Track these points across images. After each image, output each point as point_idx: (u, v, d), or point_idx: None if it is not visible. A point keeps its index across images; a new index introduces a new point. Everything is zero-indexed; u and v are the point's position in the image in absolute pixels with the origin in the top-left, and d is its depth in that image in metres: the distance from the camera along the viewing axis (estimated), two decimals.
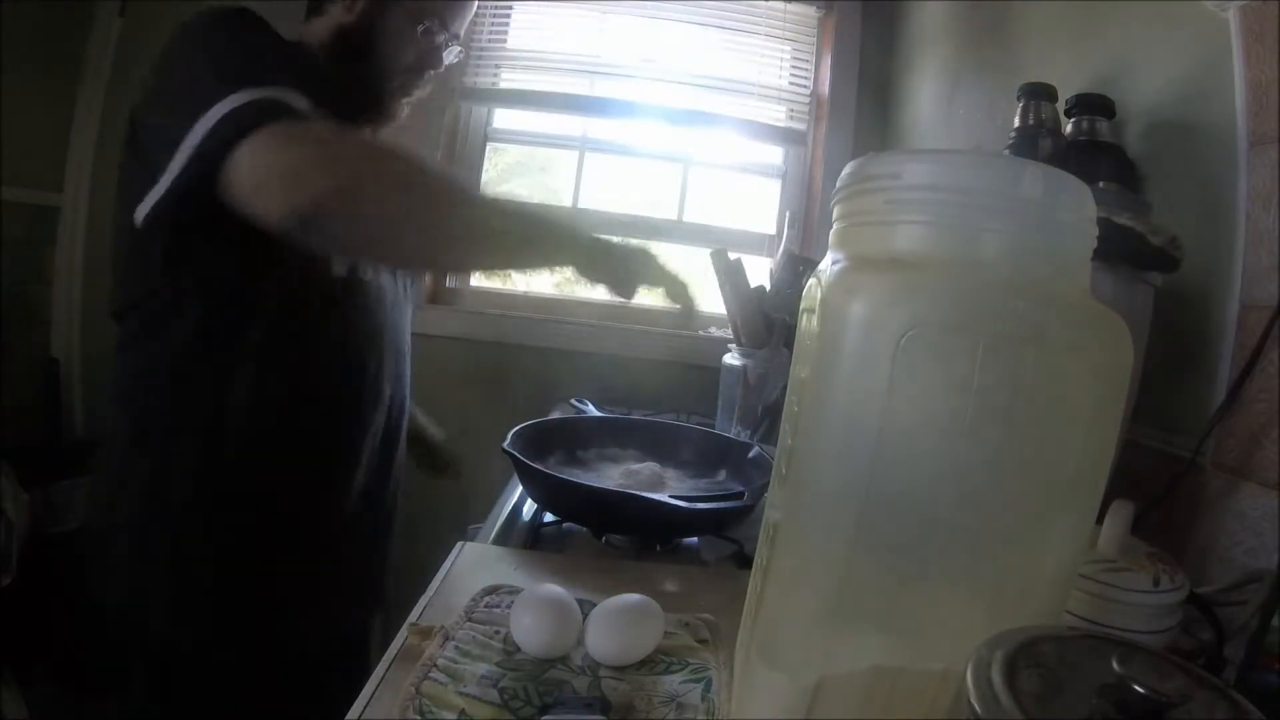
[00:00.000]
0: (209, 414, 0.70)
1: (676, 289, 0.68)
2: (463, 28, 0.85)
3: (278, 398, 0.72)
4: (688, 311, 0.69)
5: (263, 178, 0.58)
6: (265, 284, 0.71)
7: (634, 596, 0.51)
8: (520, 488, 0.86)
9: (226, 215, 0.59)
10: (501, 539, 0.76)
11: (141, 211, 0.65)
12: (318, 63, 0.78)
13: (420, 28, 0.79)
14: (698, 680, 0.47)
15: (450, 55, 0.84)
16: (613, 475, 0.86)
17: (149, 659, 0.68)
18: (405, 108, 0.85)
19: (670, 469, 0.90)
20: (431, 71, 0.84)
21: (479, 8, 1.66)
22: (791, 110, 1.73)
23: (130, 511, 0.69)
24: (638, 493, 0.71)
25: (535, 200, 1.80)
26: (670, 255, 0.69)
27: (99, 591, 0.69)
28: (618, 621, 0.49)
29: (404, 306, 0.89)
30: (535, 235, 0.65)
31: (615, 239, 0.66)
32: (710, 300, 1.17)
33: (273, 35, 0.71)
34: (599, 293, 1.92)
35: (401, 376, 0.88)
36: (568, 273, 0.65)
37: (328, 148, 0.60)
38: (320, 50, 0.78)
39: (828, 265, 0.37)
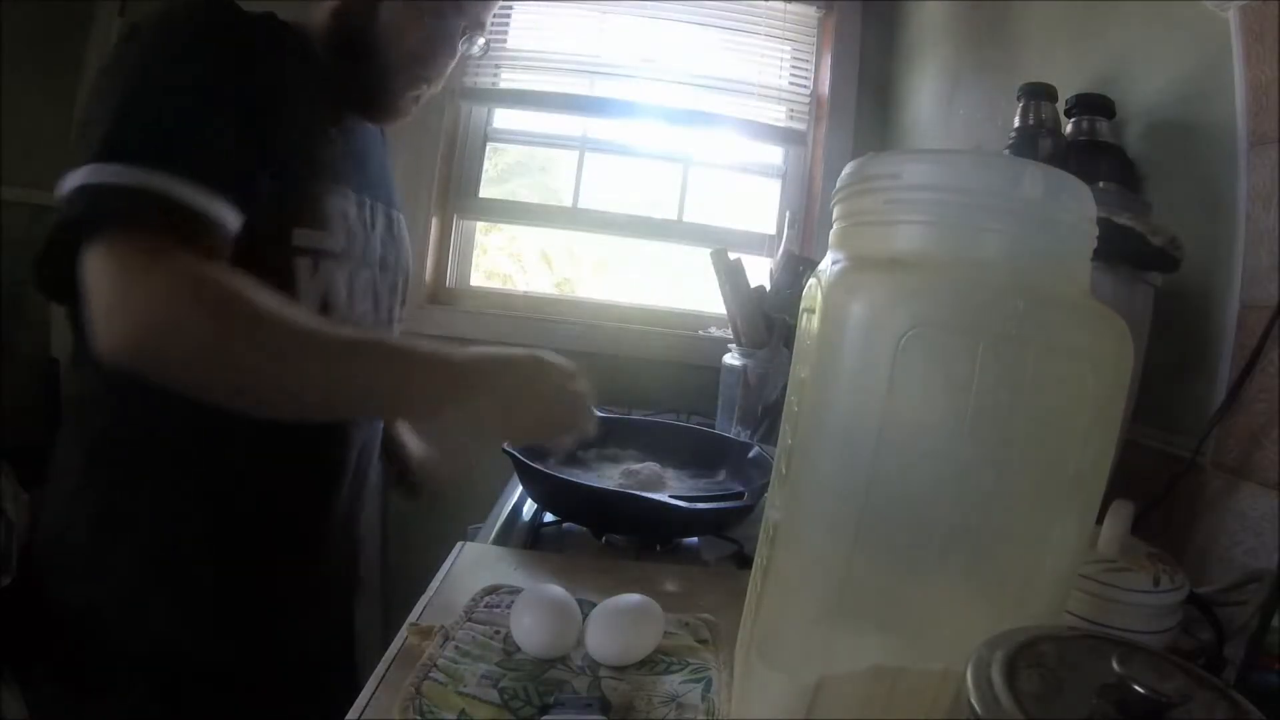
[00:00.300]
0: (181, 422, 0.63)
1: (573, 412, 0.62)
2: (484, 15, 0.77)
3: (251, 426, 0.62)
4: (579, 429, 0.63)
5: (91, 299, 0.50)
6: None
7: (634, 597, 0.51)
8: (520, 488, 0.86)
9: None
10: (501, 539, 0.76)
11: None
12: (310, 54, 0.69)
13: (427, 8, 0.71)
14: (698, 680, 0.47)
15: (469, 45, 0.76)
16: (613, 475, 0.86)
17: (124, 661, 0.65)
18: (415, 103, 0.76)
19: (670, 469, 0.90)
20: (447, 61, 0.75)
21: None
22: (791, 110, 1.73)
23: (95, 518, 0.64)
24: (638, 493, 0.71)
25: (535, 201, 1.80)
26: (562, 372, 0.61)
27: (75, 596, 0.65)
28: (618, 622, 0.49)
29: (387, 329, 0.82)
30: (404, 388, 0.57)
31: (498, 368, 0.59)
32: (711, 300, 1.17)
33: (247, 41, 0.61)
34: (599, 293, 1.92)
35: None
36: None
37: (163, 288, 0.51)
38: (319, 36, 0.71)
39: (828, 265, 0.37)
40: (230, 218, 0.57)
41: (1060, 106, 0.85)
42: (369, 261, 0.73)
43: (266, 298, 0.53)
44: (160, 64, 0.58)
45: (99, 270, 0.51)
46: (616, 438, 0.96)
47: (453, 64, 0.76)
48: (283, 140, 0.62)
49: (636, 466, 0.87)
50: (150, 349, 0.51)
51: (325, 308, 0.67)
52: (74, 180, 0.53)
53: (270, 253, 0.62)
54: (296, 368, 0.54)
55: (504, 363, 0.59)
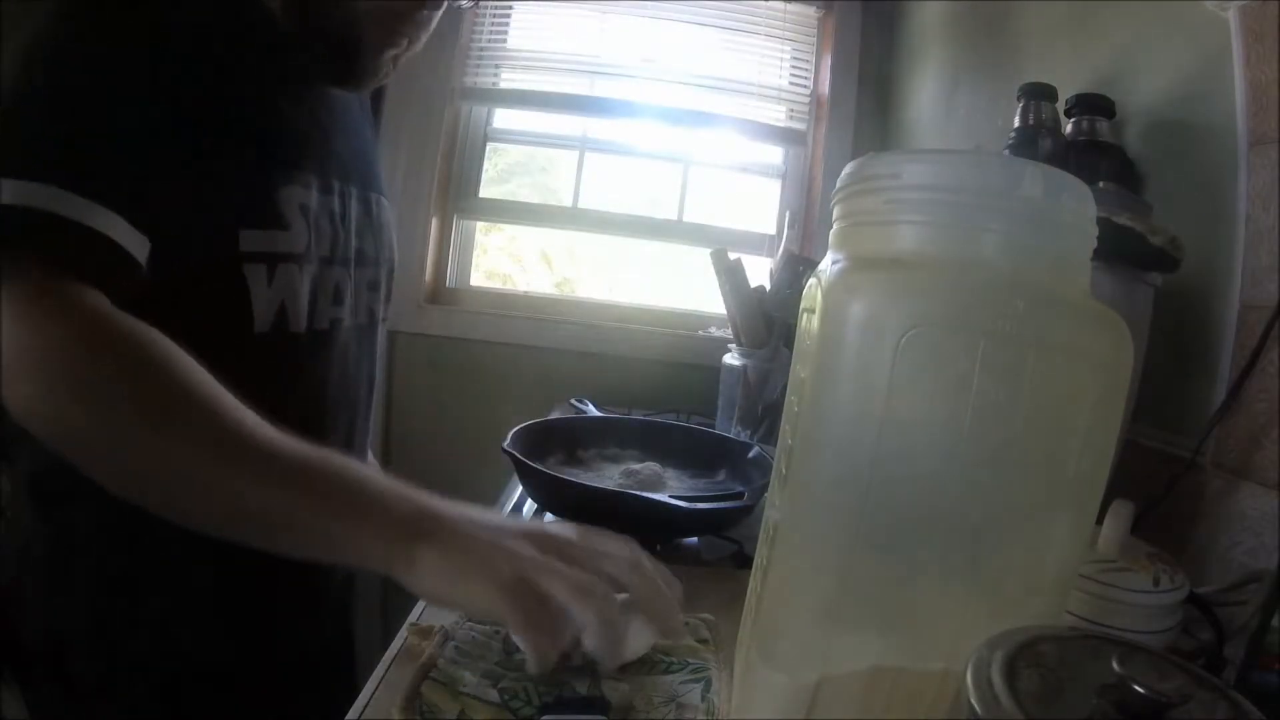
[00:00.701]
0: None
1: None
2: None
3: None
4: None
5: None
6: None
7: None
8: (520, 488, 0.86)
9: None
10: None
11: None
12: (254, 9, 0.58)
13: None
14: (698, 680, 0.47)
15: None
16: (613, 475, 0.86)
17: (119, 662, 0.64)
18: (394, 64, 0.64)
19: (670, 469, 0.90)
20: (430, 12, 0.62)
21: (479, 7, 1.67)
22: (791, 110, 1.73)
23: (94, 521, 0.59)
24: (638, 493, 0.71)
25: (535, 201, 1.80)
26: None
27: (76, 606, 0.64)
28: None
29: (369, 333, 0.73)
30: (316, 520, 0.42)
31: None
32: (711, 300, 1.17)
33: (150, 14, 0.50)
34: (599, 293, 1.91)
35: (355, 425, 0.73)
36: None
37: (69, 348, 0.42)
38: None
39: (828, 265, 0.37)
40: (136, 240, 0.47)
41: (1060, 106, 0.85)
42: (339, 258, 0.65)
43: (191, 368, 0.44)
44: (50, 46, 0.47)
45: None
46: (616, 438, 0.96)
47: (436, 18, 0.64)
48: (214, 125, 0.52)
49: (636, 466, 0.87)
50: (43, 415, 0.42)
51: (282, 320, 0.58)
52: None
53: (214, 262, 0.53)
54: (214, 478, 0.42)
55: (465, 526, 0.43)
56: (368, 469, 0.46)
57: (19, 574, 0.61)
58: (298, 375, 0.62)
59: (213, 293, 0.50)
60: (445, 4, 0.63)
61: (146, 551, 0.58)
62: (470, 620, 0.52)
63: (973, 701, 0.24)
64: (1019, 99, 0.87)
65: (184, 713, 0.63)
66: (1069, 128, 0.82)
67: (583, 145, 1.74)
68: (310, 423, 0.56)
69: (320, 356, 0.64)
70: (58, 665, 0.60)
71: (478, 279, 1.78)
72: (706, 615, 0.55)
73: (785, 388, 0.42)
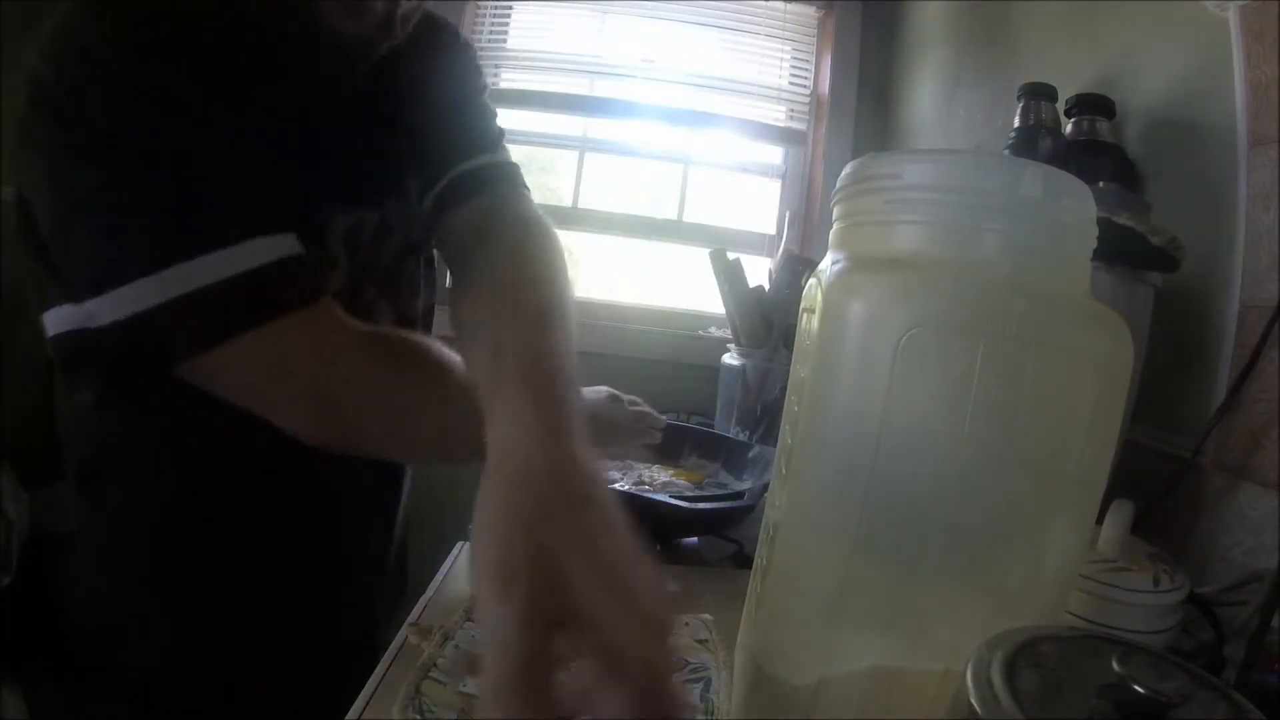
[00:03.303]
0: (210, 424, 0.64)
1: None
2: None
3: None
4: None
5: (263, 383, 0.48)
6: None
7: None
8: None
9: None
10: None
11: (54, 323, 0.49)
12: None
13: None
14: (697, 680, 0.47)
15: None
16: (613, 474, 0.86)
17: (148, 666, 0.66)
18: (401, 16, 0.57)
19: (671, 469, 0.90)
20: None
21: (478, 8, 1.67)
22: (791, 110, 1.73)
23: (133, 520, 0.66)
24: (638, 493, 0.71)
25: (535, 201, 1.80)
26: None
27: (98, 601, 0.66)
28: None
29: None
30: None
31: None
32: (711, 300, 1.17)
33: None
34: (599, 293, 1.90)
35: None
36: None
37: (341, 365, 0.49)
38: None
39: (828, 265, 0.37)
40: (326, 254, 0.54)
41: (1060, 106, 0.85)
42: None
43: (422, 344, 0.54)
44: (156, 99, 0.45)
45: (257, 360, 0.46)
46: None
47: None
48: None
49: (637, 466, 0.87)
50: (341, 422, 0.49)
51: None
52: (189, 279, 0.43)
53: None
54: (447, 415, 0.52)
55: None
56: None
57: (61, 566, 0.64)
58: None
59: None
60: None
61: (175, 550, 0.61)
62: (471, 619, 0.52)
63: (973, 701, 0.24)
64: (1019, 99, 0.87)
65: (198, 711, 0.64)
66: (1069, 128, 0.82)
67: (583, 145, 1.74)
68: None
69: None
70: (88, 657, 0.62)
71: None
72: (706, 615, 0.55)
73: (785, 388, 0.42)
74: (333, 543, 0.73)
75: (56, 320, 0.48)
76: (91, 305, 0.44)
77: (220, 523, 0.63)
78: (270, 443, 0.49)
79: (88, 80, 0.44)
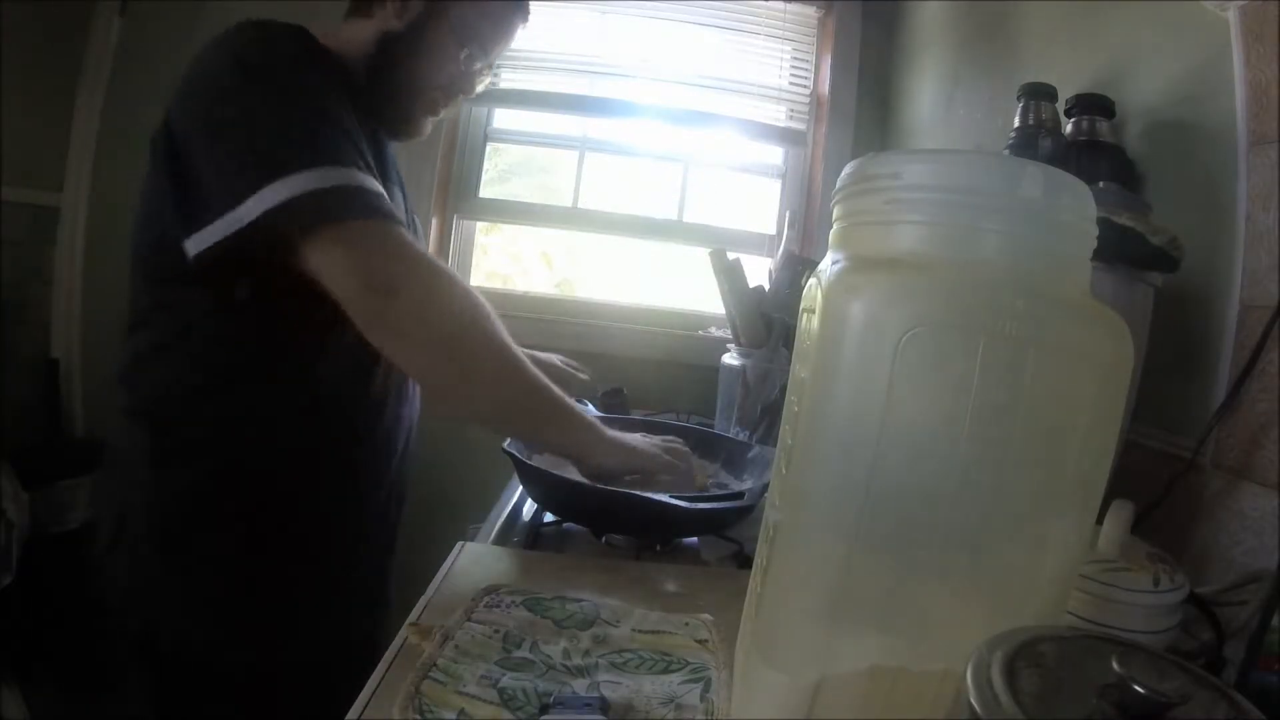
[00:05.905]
0: (231, 425, 0.69)
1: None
2: (499, 57, 0.87)
3: (300, 412, 0.72)
4: None
5: (353, 278, 0.62)
6: (294, 302, 0.69)
7: None
8: (520, 487, 0.86)
9: (283, 267, 0.63)
10: (501, 539, 0.76)
11: (194, 247, 0.63)
12: (356, 73, 0.77)
13: (464, 51, 0.80)
14: (697, 680, 0.47)
15: (483, 82, 0.85)
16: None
17: (162, 662, 0.68)
18: (429, 124, 0.85)
19: None
20: (462, 96, 0.85)
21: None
22: (791, 110, 1.73)
23: (150, 519, 0.69)
24: (638, 493, 0.71)
25: (535, 201, 1.80)
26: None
27: (114, 597, 0.69)
28: None
29: None
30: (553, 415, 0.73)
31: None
32: (711, 300, 1.17)
33: (325, 60, 0.70)
34: (599, 293, 1.91)
35: (412, 398, 0.87)
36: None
37: (423, 276, 0.65)
38: (358, 56, 0.77)
39: (828, 265, 0.37)
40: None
41: (1060, 106, 0.85)
42: None
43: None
44: (289, 69, 0.66)
45: (352, 244, 0.62)
46: None
47: (469, 97, 0.87)
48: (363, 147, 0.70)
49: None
50: (399, 313, 0.63)
51: None
52: (295, 185, 0.60)
53: None
54: (505, 377, 0.70)
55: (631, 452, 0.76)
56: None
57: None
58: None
59: None
60: (476, 93, 0.87)
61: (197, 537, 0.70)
62: (471, 619, 0.53)
63: (973, 701, 0.24)
64: (1019, 99, 0.87)
65: (213, 705, 0.65)
66: (1069, 128, 0.82)
67: (583, 145, 1.74)
68: (389, 371, 0.79)
69: None
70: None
71: (478, 279, 1.78)
72: (706, 615, 0.55)
73: (785, 388, 0.42)
74: (351, 545, 0.76)
75: (201, 240, 0.62)
76: (250, 203, 0.60)
77: (251, 515, 0.71)
78: (319, 440, 0.67)
79: (280, 62, 0.67)
